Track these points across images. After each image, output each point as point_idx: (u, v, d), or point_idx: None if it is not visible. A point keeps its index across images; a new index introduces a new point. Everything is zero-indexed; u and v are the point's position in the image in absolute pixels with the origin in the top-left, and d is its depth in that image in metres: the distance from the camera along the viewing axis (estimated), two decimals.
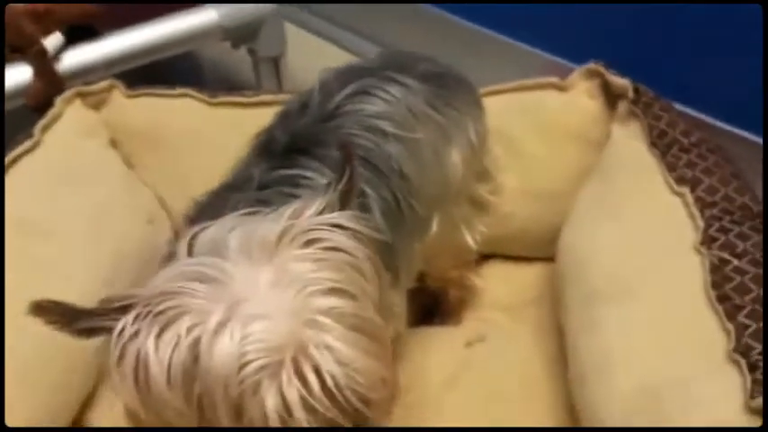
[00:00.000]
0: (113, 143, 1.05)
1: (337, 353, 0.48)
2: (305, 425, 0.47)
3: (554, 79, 1.03)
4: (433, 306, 1.02)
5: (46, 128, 0.97)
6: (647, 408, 0.65)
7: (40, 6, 1.16)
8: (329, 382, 0.47)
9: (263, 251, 0.51)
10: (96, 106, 1.05)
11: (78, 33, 1.23)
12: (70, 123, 1.00)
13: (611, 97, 1.00)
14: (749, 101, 1.10)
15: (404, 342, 0.90)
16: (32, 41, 1.14)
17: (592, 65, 1.01)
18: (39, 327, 0.78)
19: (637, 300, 0.74)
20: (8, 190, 0.89)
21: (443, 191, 0.81)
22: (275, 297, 0.49)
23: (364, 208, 0.69)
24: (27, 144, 0.94)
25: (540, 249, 1.05)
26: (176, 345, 0.48)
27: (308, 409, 0.47)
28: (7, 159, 0.91)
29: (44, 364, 0.77)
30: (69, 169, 0.96)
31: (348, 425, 0.49)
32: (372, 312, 0.52)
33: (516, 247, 1.07)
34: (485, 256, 1.05)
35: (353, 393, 0.49)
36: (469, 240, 0.92)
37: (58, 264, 0.83)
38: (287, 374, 0.47)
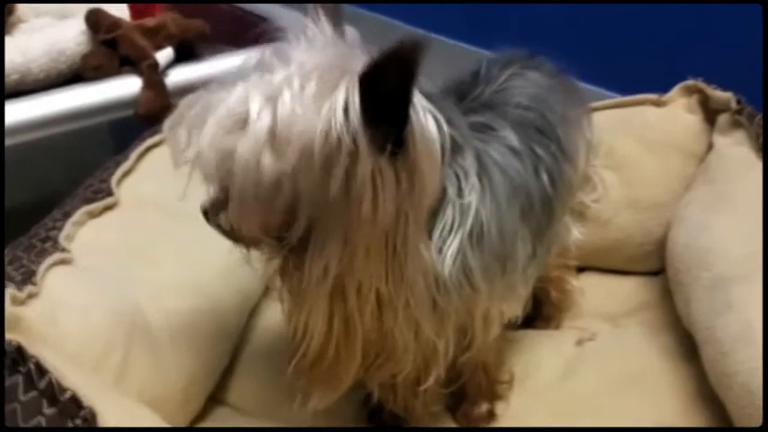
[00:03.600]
0: None
1: None
2: None
3: (651, 95, 1.08)
4: (532, 309, 1.03)
5: None
6: None
7: (152, 21, 1.22)
8: None
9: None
10: None
11: (181, 55, 1.29)
12: None
13: (709, 112, 1.04)
14: None
15: (511, 339, 0.91)
16: (145, 55, 1.19)
17: (690, 81, 1.06)
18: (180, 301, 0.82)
19: None
20: (141, 175, 0.93)
21: (571, 178, 0.84)
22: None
23: (536, 167, 0.73)
24: (156, 138, 0.98)
25: (636, 262, 1.07)
26: None
27: None
28: (139, 150, 0.96)
29: (195, 324, 0.81)
30: None
31: None
32: None
33: (613, 260, 1.08)
34: (581, 269, 1.06)
35: None
36: (570, 241, 0.95)
37: (193, 240, 0.86)
38: None
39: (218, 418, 0.85)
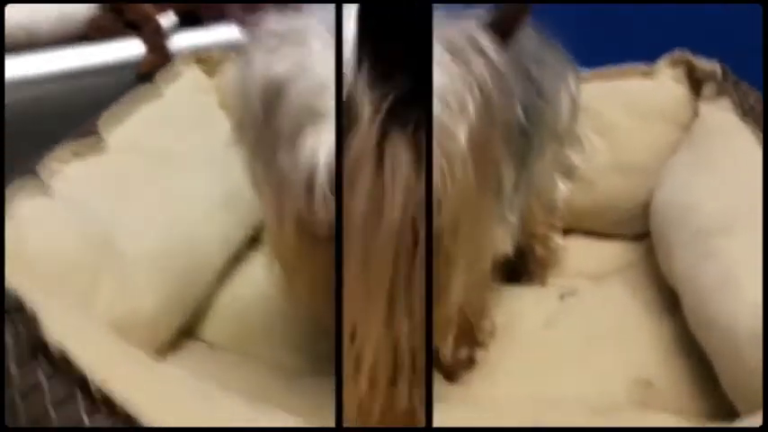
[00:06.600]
0: (222, 106, 1.11)
1: None
2: None
3: (639, 66, 1.10)
4: (518, 264, 1.03)
5: (168, 81, 1.04)
6: None
7: None
8: None
9: None
10: (210, 73, 1.12)
11: (186, 22, 1.32)
12: (188, 81, 1.07)
13: (695, 82, 1.06)
14: None
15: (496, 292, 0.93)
16: (148, 18, 1.22)
17: (677, 53, 1.08)
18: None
19: (749, 229, 0.78)
20: (132, 122, 0.95)
21: (550, 120, 0.86)
22: None
23: None
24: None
25: (621, 226, 1.09)
26: None
27: None
28: (133, 97, 0.98)
29: (170, 255, 0.82)
30: (188, 117, 1.02)
31: None
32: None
33: (599, 222, 1.10)
34: (567, 231, 1.08)
35: None
36: (557, 196, 0.97)
37: (178, 185, 0.89)
38: None
39: (190, 350, 0.86)
